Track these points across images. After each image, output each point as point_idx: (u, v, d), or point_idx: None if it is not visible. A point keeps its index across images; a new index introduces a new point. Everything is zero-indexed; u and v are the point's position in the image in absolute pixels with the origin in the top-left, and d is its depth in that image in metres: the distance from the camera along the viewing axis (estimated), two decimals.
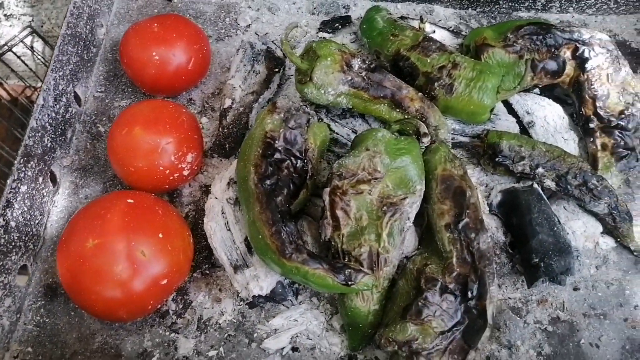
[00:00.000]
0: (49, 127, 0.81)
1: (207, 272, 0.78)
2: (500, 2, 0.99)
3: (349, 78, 0.74)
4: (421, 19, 0.88)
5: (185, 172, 0.78)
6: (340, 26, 0.96)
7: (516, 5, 0.99)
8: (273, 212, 0.65)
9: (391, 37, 0.82)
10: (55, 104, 0.82)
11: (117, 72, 0.95)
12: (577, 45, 0.81)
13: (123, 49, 0.86)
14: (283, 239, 0.64)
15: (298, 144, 0.70)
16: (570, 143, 0.83)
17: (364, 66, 0.76)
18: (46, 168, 0.81)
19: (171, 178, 0.77)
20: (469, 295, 0.65)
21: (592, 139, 0.81)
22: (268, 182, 0.67)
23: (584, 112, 0.82)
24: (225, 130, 0.83)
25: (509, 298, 0.76)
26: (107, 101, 0.92)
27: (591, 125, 0.81)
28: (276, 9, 1.00)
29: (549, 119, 0.84)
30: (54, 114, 0.82)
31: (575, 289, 0.77)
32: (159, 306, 0.74)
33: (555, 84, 0.85)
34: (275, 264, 0.65)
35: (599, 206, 0.76)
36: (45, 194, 0.80)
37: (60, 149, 0.84)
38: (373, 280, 0.66)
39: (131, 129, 0.76)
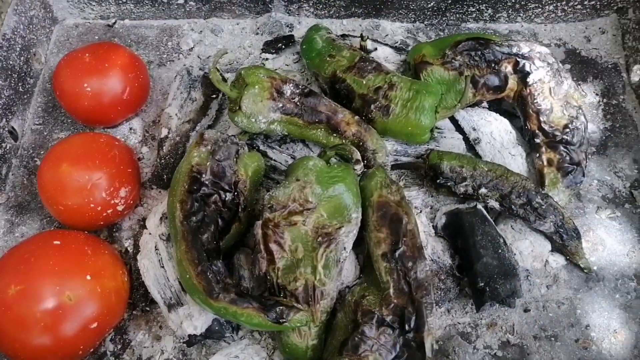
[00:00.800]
0: None
1: (147, 309, 0.75)
2: (448, 15, 0.97)
3: (280, 105, 0.72)
4: (362, 37, 0.85)
5: (120, 207, 0.76)
6: (283, 46, 0.93)
7: (464, 17, 0.97)
8: (199, 251, 0.63)
9: (328, 59, 0.79)
10: None
11: (57, 103, 0.92)
12: (517, 59, 0.79)
13: (56, 81, 0.84)
14: (209, 279, 0.62)
15: (227, 177, 0.68)
16: (517, 159, 0.81)
17: (297, 91, 0.74)
18: None
19: (104, 214, 0.75)
20: (407, 327, 0.63)
21: (538, 155, 0.79)
22: (194, 219, 0.64)
23: (529, 127, 0.80)
24: (163, 160, 0.80)
25: (458, 323, 0.74)
26: (45, 134, 0.90)
27: (537, 140, 0.79)
28: (219, 31, 0.98)
29: (496, 134, 0.82)
30: None
31: (526, 310, 0.75)
32: (95, 348, 0.71)
33: (500, 98, 0.83)
34: (204, 304, 0.62)
35: (544, 225, 0.74)
36: None
37: None
38: (307, 317, 0.63)
39: (59, 166, 0.73)
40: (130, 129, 0.89)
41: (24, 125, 0.89)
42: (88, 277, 0.67)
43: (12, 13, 0.86)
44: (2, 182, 0.84)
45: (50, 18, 0.98)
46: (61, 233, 0.71)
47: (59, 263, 0.66)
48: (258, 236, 0.66)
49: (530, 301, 0.75)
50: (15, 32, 0.87)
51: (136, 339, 0.74)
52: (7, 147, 0.85)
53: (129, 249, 0.80)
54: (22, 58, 0.89)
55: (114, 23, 0.99)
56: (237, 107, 0.71)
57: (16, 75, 0.87)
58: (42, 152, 0.88)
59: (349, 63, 0.78)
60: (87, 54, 0.82)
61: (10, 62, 0.86)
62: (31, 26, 0.91)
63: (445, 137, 0.82)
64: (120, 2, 0.95)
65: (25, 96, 0.90)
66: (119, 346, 0.73)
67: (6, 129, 0.84)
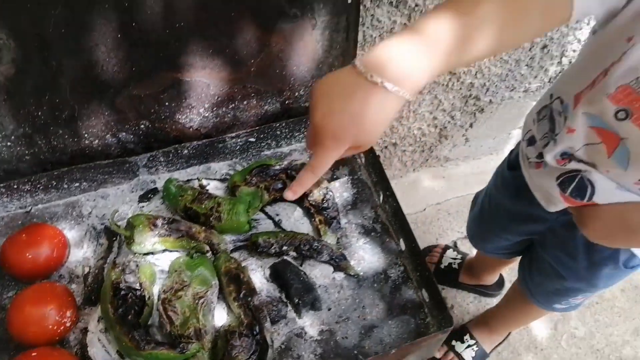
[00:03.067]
0: None
1: None
2: (251, 150, 1.57)
3: (157, 232, 1.23)
4: (198, 179, 1.41)
5: (68, 324, 1.18)
6: (152, 195, 1.45)
7: (260, 149, 1.57)
8: (127, 326, 1.09)
9: (180, 198, 1.33)
10: None
11: (2, 274, 1.33)
12: (287, 171, 1.39)
13: (3, 256, 1.26)
14: (137, 340, 1.08)
15: (135, 281, 1.16)
16: (306, 224, 1.39)
17: (165, 222, 1.26)
18: None
19: (59, 331, 1.17)
20: (255, 333, 1.13)
21: (313, 219, 1.38)
22: (120, 310, 1.11)
23: (305, 205, 1.39)
24: (89, 288, 1.25)
25: (293, 329, 1.25)
26: None
27: (311, 211, 1.38)
28: (107, 196, 1.47)
29: (290, 215, 1.40)
30: None
31: (329, 309, 1.28)
32: None
33: None
34: (137, 356, 1.08)
35: (323, 257, 1.30)
36: None
37: None
38: (199, 346, 1.11)
39: (24, 306, 1.15)
40: (60, 275, 1.33)
41: None
42: None
43: None
44: None
45: None
46: (37, 350, 1.12)
47: None
48: (160, 310, 1.14)
49: (330, 303, 1.30)
50: None
51: None
52: None
53: (77, 352, 1.21)
54: None
55: (30, 209, 1.45)
56: (132, 240, 1.21)
57: None
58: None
59: (192, 197, 1.32)
60: (23, 234, 1.27)
61: None
62: None
63: (261, 224, 1.38)
64: (34, 194, 1.42)
65: None
66: None
67: None
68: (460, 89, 2.13)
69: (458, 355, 2.15)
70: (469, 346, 2.16)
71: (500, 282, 2.35)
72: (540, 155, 1.13)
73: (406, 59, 0.69)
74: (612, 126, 0.89)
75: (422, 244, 2.54)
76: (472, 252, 2.45)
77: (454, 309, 2.40)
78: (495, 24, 0.71)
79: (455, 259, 2.38)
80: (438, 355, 2.18)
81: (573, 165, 1.01)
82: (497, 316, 2.09)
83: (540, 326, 2.34)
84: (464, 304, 2.43)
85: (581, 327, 2.39)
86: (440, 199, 2.71)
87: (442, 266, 2.38)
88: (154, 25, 1.14)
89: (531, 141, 1.20)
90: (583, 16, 0.80)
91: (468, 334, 2.18)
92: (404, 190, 2.73)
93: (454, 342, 2.18)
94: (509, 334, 2.25)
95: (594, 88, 0.91)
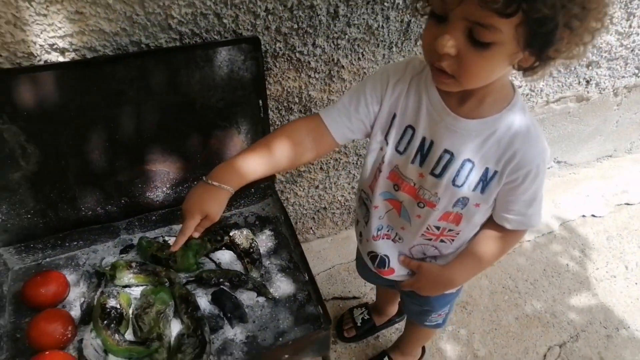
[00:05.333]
0: None
1: None
2: None
3: (132, 271, 1.82)
4: (162, 237, 2.01)
5: (69, 335, 1.72)
6: (129, 249, 2.04)
7: None
8: (111, 331, 1.65)
9: (148, 249, 1.93)
10: None
11: (21, 307, 1.87)
12: (224, 229, 2.00)
13: (23, 293, 1.82)
14: (117, 340, 1.63)
15: (116, 303, 1.73)
16: (238, 265, 1.99)
17: (138, 264, 1.85)
18: None
19: (63, 340, 1.71)
20: (198, 335, 1.70)
21: (242, 260, 1.97)
22: (105, 321, 1.67)
23: (237, 251, 1.99)
24: (84, 312, 1.81)
25: (227, 335, 1.81)
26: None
27: (241, 255, 1.98)
28: (97, 250, 2.05)
29: (227, 258, 1.99)
30: None
31: (253, 322, 1.85)
32: None
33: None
34: (118, 352, 1.63)
35: (248, 286, 1.89)
36: None
37: None
38: (159, 345, 1.66)
39: (39, 324, 1.70)
40: (63, 305, 1.89)
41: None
42: None
43: None
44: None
45: (4, 265, 1.97)
46: (49, 352, 1.67)
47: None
48: (133, 322, 1.70)
49: (254, 317, 1.86)
50: None
51: None
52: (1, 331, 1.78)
53: (76, 354, 1.75)
54: None
55: (41, 262, 2.01)
56: (114, 277, 1.79)
57: None
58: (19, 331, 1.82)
59: (157, 248, 1.92)
60: (38, 277, 1.84)
61: None
62: None
63: (206, 265, 1.97)
64: (45, 251, 1.99)
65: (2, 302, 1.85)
66: None
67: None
68: None
69: None
70: None
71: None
72: (360, 234, 1.76)
73: (225, 172, 1.29)
74: (394, 195, 1.54)
75: (353, 287, 3.12)
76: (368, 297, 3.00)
77: (379, 338, 2.95)
78: (279, 155, 1.30)
79: (362, 312, 2.65)
80: None
81: (380, 242, 1.66)
82: (403, 339, 2.64)
83: (447, 347, 2.90)
84: (388, 334, 2.97)
85: (482, 348, 2.95)
86: None
87: (359, 324, 2.64)
88: (130, 137, 1.80)
89: (357, 222, 1.85)
90: (347, 141, 1.38)
91: (386, 357, 2.72)
92: (339, 244, 3.35)
93: None
94: (423, 352, 2.77)
95: (378, 178, 1.56)
